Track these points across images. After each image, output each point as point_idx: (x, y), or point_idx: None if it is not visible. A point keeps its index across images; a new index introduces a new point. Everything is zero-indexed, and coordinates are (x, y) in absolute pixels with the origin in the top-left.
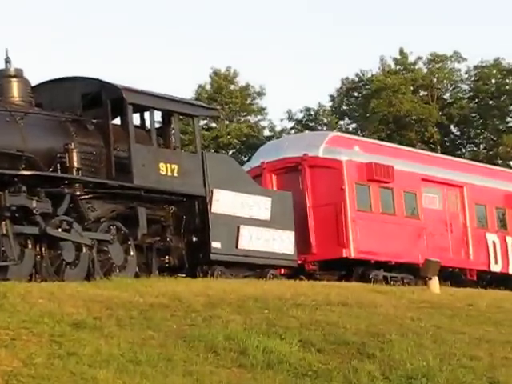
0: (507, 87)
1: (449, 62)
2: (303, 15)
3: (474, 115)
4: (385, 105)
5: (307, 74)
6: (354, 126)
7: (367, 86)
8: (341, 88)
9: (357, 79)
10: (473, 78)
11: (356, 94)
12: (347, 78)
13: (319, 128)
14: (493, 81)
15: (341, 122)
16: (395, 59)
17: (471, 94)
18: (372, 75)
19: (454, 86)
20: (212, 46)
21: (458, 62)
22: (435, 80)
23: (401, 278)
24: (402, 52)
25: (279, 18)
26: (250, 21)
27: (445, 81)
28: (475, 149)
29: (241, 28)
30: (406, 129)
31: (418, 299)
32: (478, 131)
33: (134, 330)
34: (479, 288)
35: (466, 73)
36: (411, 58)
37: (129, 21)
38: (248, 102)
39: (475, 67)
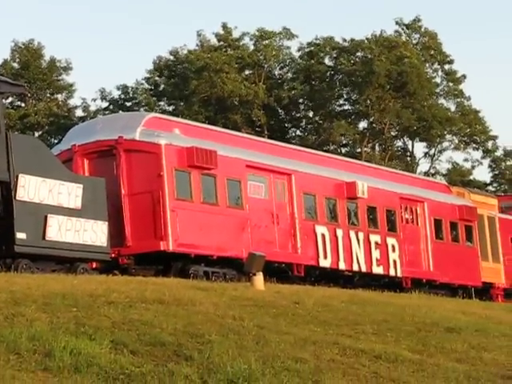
0: (341, 67)
1: (277, 39)
2: None
3: (304, 97)
4: (206, 85)
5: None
6: (174, 107)
7: (185, 65)
8: (157, 67)
9: (172, 57)
10: (304, 57)
11: (173, 73)
12: (160, 57)
13: (137, 109)
14: (326, 60)
15: (160, 103)
16: (217, 34)
17: (302, 74)
18: (189, 52)
19: (283, 64)
20: (12, 16)
21: (288, 39)
22: (262, 58)
23: (223, 274)
24: (225, 27)
25: None
26: None
27: (273, 59)
28: (305, 134)
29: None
30: (230, 111)
31: (240, 296)
32: (309, 115)
33: None
34: (307, 285)
35: (298, 50)
36: (235, 34)
37: None
38: (54, 77)
39: (308, 44)
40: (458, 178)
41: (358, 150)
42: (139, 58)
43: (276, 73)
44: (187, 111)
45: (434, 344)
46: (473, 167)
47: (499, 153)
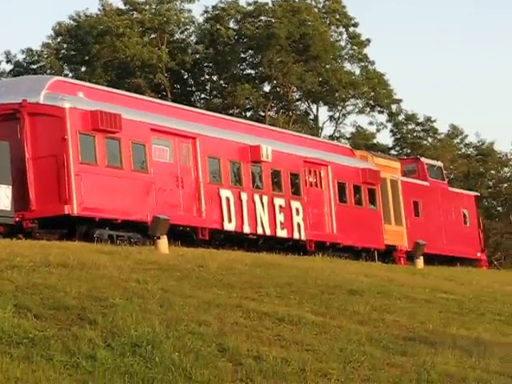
0: (246, 31)
1: (178, 3)
2: None
3: (208, 61)
4: (109, 50)
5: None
6: (75, 72)
7: (87, 30)
8: (57, 32)
9: (73, 22)
10: (209, 21)
11: (74, 38)
12: (60, 22)
13: (41, 72)
14: (231, 24)
15: (65, 67)
16: None
17: (207, 38)
18: (89, 16)
19: (185, 28)
20: None
21: (190, 1)
22: (164, 22)
23: (128, 238)
24: None
25: None
26: None
27: (174, 23)
28: (210, 98)
29: None
30: (133, 75)
31: (145, 260)
32: (213, 78)
33: None
34: (211, 248)
35: (202, 13)
36: None
37: None
38: None
39: (213, 8)
40: (362, 141)
41: (262, 113)
42: (44, 21)
43: (179, 37)
44: (90, 76)
45: (336, 306)
46: (378, 130)
47: (402, 117)
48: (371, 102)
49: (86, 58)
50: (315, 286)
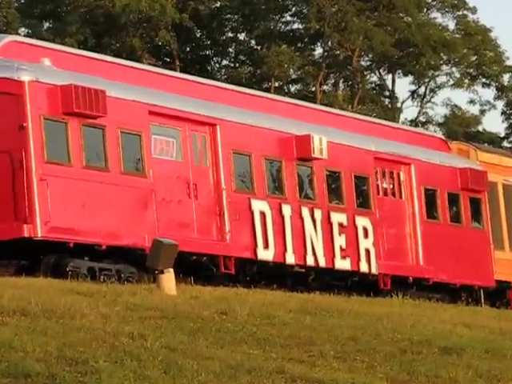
0: None
1: None
2: None
3: (233, 12)
4: None
5: None
6: (45, 27)
7: None
8: None
9: None
10: None
11: None
12: None
13: None
14: None
15: (23, 22)
16: None
17: None
18: None
19: None
20: None
21: None
22: None
23: (116, 271)
24: None
25: None
26: None
27: None
28: (235, 65)
29: None
30: (124, 33)
31: (142, 305)
32: (240, 37)
33: None
34: (239, 287)
35: None
36: None
37: None
38: None
39: None
40: (460, 128)
41: (313, 88)
42: None
43: None
44: (60, 35)
45: (423, 372)
46: (482, 113)
47: None
48: (472, 70)
49: (55, 8)
50: (392, 342)
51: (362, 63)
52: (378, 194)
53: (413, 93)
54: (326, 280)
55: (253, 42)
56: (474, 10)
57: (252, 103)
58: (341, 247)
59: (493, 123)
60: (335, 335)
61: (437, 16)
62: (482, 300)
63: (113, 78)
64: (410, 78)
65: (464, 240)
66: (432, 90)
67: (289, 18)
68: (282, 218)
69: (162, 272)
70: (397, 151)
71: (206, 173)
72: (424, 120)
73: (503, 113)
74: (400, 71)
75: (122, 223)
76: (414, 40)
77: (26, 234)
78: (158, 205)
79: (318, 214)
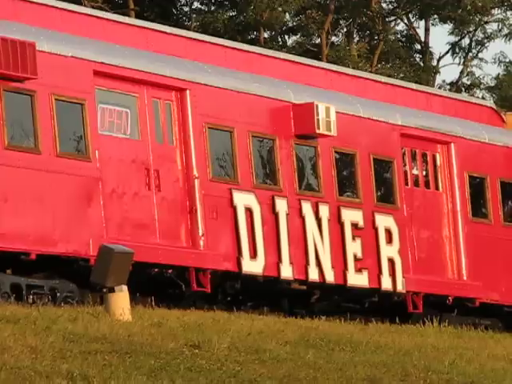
0: None
1: None
2: None
3: None
4: None
5: None
6: None
7: None
8: None
9: None
10: None
11: None
12: None
13: None
14: None
15: None
16: None
17: None
18: None
19: None
20: None
21: None
22: None
23: (50, 289)
24: None
25: None
26: None
27: None
28: (206, 8)
29: None
30: None
31: (84, 335)
32: None
33: None
34: (217, 310)
35: None
36: None
37: None
38: None
39: None
40: None
41: (317, 40)
42: None
43: None
44: None
45: None
46: None
47: None
48: None
49: None
50: None
51: (384, 5)
52: (406, 183)
53: (453, 46)
54: (336, 301)
55: None
56: None
57: (234, 60)
58: (355, 256)
59: None
60: (348, 376)
61: None
62: None
63: (46, 27)
64: (450, 25)
65: None
66: (479, 43)
67: None
68: (276, 216)
69: (113, 290)
70: (432, 125)
71: (172, 155)
72: (469, 83)
73: None
74: (436, 17)
75: (58, 224)
76: None
77: None
78: (106, 199)
79: (324, 211)
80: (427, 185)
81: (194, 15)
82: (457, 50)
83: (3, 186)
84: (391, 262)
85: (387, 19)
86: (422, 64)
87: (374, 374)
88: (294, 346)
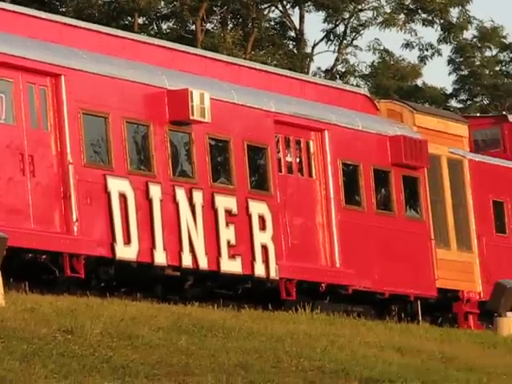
0: None
1: None
2: None
3: None
4: None
5: None
6: None
7: None
8: None
9: None
10: None
11: None
12: None
13: None
14: None
15: None
16: None
17: None
18: None
19: None
20: None
21: None
22: None
23: None
24: None
25: None
26: None
27: None
28: None
29: None
30: None
31: None
32: None
33: None
34: (90, 296)
35: None
36: None
37: None
38: None
39: None
40: (393, 82)
41: (192, 26)
42: None
43: None
44: None
45: None
46: (422, 60)
47: (471, 33)
48: (409, 2)
49: None
50: (297, 371)
51: None
52: (280, 170)
53: (328, 33)
54: (209, 287)
55: None
56: None
57: (109, 46)
58: (229, 243)
59: (436, 75)
60: (220, 362)
61: None
62: (420, 315)
63: None
64: (324, 13)
65: (396, 234)
66: (354, 30)
67: None
68: (150, 202)
69: None
70: (305, 113)
71: (47, 140)
72: (343, 70)
73: (451, 61)
74: (310, 4)
75: None
76: None
77: None
78: None
79: (198, 197)
80: (301, 172)
81: (69, 0)
82: (331, 37)
83: None
84: (264, 248)
85: (261, 6)
86: (296, 51)
87: (246, 360)
88: (167, 331)
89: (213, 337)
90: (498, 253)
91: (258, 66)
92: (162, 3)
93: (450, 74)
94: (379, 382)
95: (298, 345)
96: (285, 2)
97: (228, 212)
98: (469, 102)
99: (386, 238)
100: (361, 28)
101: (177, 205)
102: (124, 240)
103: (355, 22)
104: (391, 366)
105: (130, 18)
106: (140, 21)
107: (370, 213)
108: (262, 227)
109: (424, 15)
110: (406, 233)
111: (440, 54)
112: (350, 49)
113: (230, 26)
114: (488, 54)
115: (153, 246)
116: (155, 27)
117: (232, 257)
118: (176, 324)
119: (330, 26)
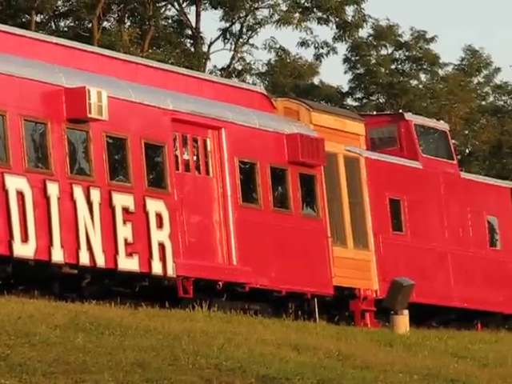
0: None
1: None
2: None
3: None
4: None
5: None
6: None
7: None
8: None
9: None
10: None
11: None
12: None
13: None
14: None
15: None
16: None
17: None
18: None
19: None
20: None
21: None
22: None
23: None
24: None
25: None
26: None
27: None
28: None
29: None
30: None
31: None
32: None
33: None
34: None
35: None
36: None
37: None
38: None
39: None
40: (289, 80)
41: (88, 24)
42: None
43: None
44: None
45: None
46: (318, 58)
47: (367, 32)
48: (304, 0)
49: None
50: (194, 369)
51: None
52: (177, 168)
53: (224, 32)
54: (106, 285)
55: None
56: None
57: (6, 44)
58: (126, 241)
59: (332, 73)
60: (117, 360)
61: None
62: (317, 313)
63: None
64: (220, 11)
65: (292, 232)
66: (250, 28)
67: None
68: (47, 200)
69: None
70: (202, 111)
71: None
72: (240, 68)
73: (346, 59)
74: (206, 1)
75: None
76: None
77: None
78: None
79: (95, 195)
80: (198, 170)
81: None
82: (228, 35)
83: None
84: (162, 246)
85: (158, 4)
86: (193, 50)
87: (143, 358)
88: (64, 329)
89: (110, 335)
90: (394, 251)
91: (155, 64)
92: (60, 1)
93: (345, 72)
94: (276, 379)
95: (195, 343)
96: (181, 0)
97: (125, 210)
98: (365, 101)
99: (283, 235)
100: (257, 26)
101: (74, 203)
102: (21, 238)
103: (251, 20)
104: (288, 364)
105: (27, 16)
106: (37, 19)
107: (266, 211)
108: (159, 225)
109: (319, 14)
110: (303, 231)
111: (336, 53)
112: (246, 47)
113: (128, 23)
114: (384, 52)
115: (50, 243)
116: (53, 25)
117: (129, 254)
118: (73, 322)
119: (227, 24)
